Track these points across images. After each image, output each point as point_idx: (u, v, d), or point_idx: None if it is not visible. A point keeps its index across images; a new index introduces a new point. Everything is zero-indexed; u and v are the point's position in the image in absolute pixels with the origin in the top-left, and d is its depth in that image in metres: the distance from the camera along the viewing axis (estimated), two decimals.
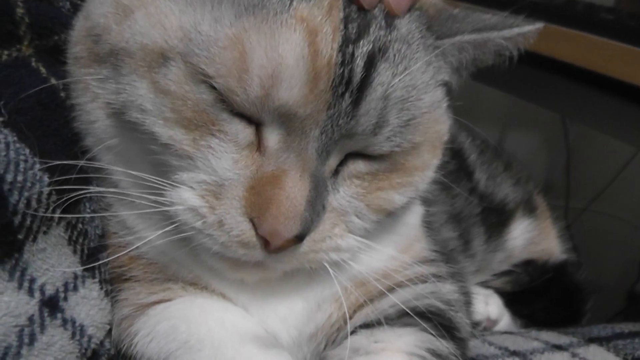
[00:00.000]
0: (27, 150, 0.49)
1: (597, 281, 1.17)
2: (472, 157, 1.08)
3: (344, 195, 0.55)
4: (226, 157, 0.50)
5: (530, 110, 1.67)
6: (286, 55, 0.47)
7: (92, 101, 0.55)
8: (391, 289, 0.64)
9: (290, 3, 0.49)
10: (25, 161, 0.49)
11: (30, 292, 0.49)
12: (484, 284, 1.04)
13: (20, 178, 0.47)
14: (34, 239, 0.49)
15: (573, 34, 1.21)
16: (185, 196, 0.51)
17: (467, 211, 0.95)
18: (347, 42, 0.49)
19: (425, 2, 0.60)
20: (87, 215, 0.58)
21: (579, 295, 1.06)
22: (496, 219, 1.03)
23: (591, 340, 0.78)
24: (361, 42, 0.50)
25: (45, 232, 0.50)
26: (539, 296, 1.01)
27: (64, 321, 0.52)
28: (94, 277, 0.57)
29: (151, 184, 0.52)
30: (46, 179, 0.50)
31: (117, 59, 0.51)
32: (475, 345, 0.75)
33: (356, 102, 0.50)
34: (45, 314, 0.50)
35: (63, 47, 0.63)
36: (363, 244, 0.58)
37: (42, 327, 0.49)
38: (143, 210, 0.56)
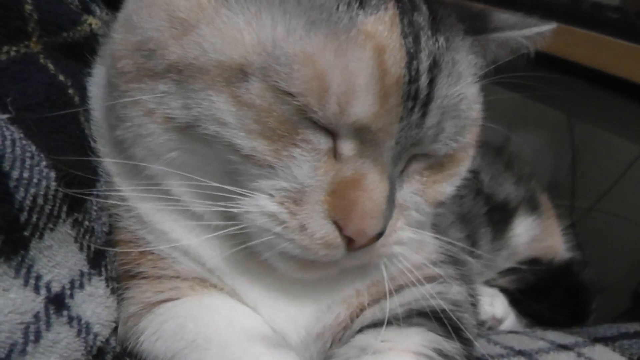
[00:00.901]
0: (34, 147, 0.49)
1: (602, 281, 1.16)
2: (476, 159, 1.08)
3: (406, 191, 0.58)
4: (307, 165, 0.51)
5: (535, 110, 1.67)
6: (358, 74, 0.48)
7: (145, 115, 0.54)
8: (399, 290, 0.64)
9: (356, 16, 0.49)
10: (32, 158, 0.48)
11: (36, 289, 0.49)
12: (489, 283, 1.04)
13: (26, 175, 0.47)
14: (41, 236, 0.49)
15: (579, 33, 1.21)
16: (263, 203, 0.52)
17: (474, 212, 0.96)
18: (411, 58, 0.51)
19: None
20: (95, 212, 0.58)
21: (584, 295, 1.05)
22: (499, 217, 1.03)
23: (596, 340, 0.78)
24: (421, 56, 0.52)
25: (51, 229, 0.50)
26: (544, 295, 1.01)
27: (70, 319, 0.51)
28: (100, 275, 0.57)
29: (219, 193, 0.53)
30: (53, 175, 0.50)
31: (183, 75, 0.50)
32: (481, 345, 0.74)
33: (423, 114, 0.52)
34: (51, 312, 0.49)
35: (71, 43, 0.63)
36: (417, 236, 0.61)
37: (48, 324, 0.49)
38: (205, 223, 0.57)
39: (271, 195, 0.52)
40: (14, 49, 0.55)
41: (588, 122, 1.60)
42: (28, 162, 0.48)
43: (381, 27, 0.50)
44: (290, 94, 0.48)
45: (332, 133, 0.52)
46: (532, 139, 1.88)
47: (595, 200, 1.67)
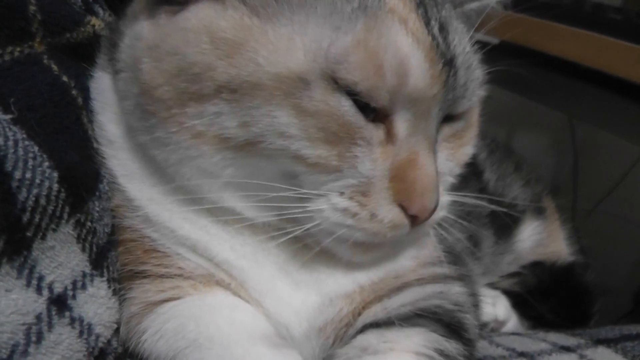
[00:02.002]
0: (36, 148, 0.49)
1: (604, 282, 1.16)
2: (481, 156, 1.07)
3: (441, 158, 0.62)
4: (368, 159, 0.54)
5: (537, 111, 1.67)
6: (402, 44, 0.52)
7: (194, 138, 0.54)
8: (401, 288, 0.65)
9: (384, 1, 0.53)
10: (34, 158, 0.48)
11: (39, 290, 0.48)
12: (492, 285, 1.03)
13: (28, 175, 0.47)
14: (43, 237, 0.49)
15: (581, 34, 1.21)
16: (335, 201, 0.55)
17: (477, 212, 0.95)
18: (426, 24, 0.55)
19: None
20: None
21: (586, 297, 1.05)
22: (505, 221, 1.03)
23: (599, 341, 0.78)
24: (432, 22, 0.55)
25: (54, 230, 0.50)
26: (546, 298, 1.00)
27: (72, 320, 0.51)
28: (102, 276, 0.57)
29: (282, 200, 0.56)
30: (55, 175, 0.50)
31: (237, 94, 0.51)
32: (483, 347, 0.75)
33: (455, 75, 0.56)
34: (53, 312, 0.49)
35: (75, 44, 0.63)
36: (454, 198, 0.65)
37: (50, 325, 0.49)
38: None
39: (341, 193, 0.55)
40: (18, 49, 0.55)
41: (589, 123, 1.60)
42: (30, 162, 0.48)
43: (398, 2, 0.54)
44: (354, 83, 0.51)
45: (386, 116, 0.55)
46: (534, 140, 1.89)
47: (597, 201, 1.67)
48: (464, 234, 0.78)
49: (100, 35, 0.68)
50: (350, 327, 0.63)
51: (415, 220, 0.57)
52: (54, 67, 0.58)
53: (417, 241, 0.66)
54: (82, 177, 0.55)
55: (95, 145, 0.61)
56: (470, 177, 0.97)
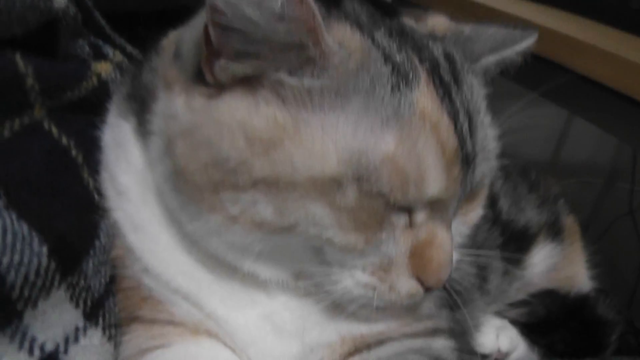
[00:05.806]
0: (25, 227, 0.51)
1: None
2: (496, 186, 1.02)
3: (454, 224, 0.64)
4: (391, 241, 0.57)
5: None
6: (427, 156, 0.53)
7: (226, 219, 0.56)
8: (383, 342, 0.67)
9: (414, 103, 0.53)
10: (23, 240, 0.50)
11: (31, 350, 0.52)
12: (498, 314, 1.02)
13: (17, 258, 0.49)
14: (34, 305, 0.52)
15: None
16: (358, 276, 0.59)
17: (488, 244, 0.92)
18: (454, 122, 0.55)
19: (436, 25, 0.66)
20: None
21: (602, 328, 1.01)
22: (516, 246, 1.00)
23: None
24: (460, 117, 0.55)
25: (45, 298, 0.53)
26: (557, 327, 0.98)
27: None
28: (97, 325, 0.61)
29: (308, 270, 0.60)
30: (44, 250, 0.52)
31: (272, 187, 0.53)
32: None
33: (473, 170, 0.58)
34: None
35: (77, 101, 0.65)
36: (459, 256, 0.66)
37: None
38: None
39: (363, 269, 0.58)
40: (17, 121, 0.57)
41: None
42: (19, 245, 0.50)
43: (427, 101, 0.53)
44: (382, 194, 0.53)
45: (407, 210, 0.57)
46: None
47: None
48: (474, 269, 0.78)
49: (106, 81, 0.70)
50: None
51: (429, 289, 0.60)
52: (54, 131, 0.60)
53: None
54: (75, 242, 0.58)
55: (96, 198, 0.65)
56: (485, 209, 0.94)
